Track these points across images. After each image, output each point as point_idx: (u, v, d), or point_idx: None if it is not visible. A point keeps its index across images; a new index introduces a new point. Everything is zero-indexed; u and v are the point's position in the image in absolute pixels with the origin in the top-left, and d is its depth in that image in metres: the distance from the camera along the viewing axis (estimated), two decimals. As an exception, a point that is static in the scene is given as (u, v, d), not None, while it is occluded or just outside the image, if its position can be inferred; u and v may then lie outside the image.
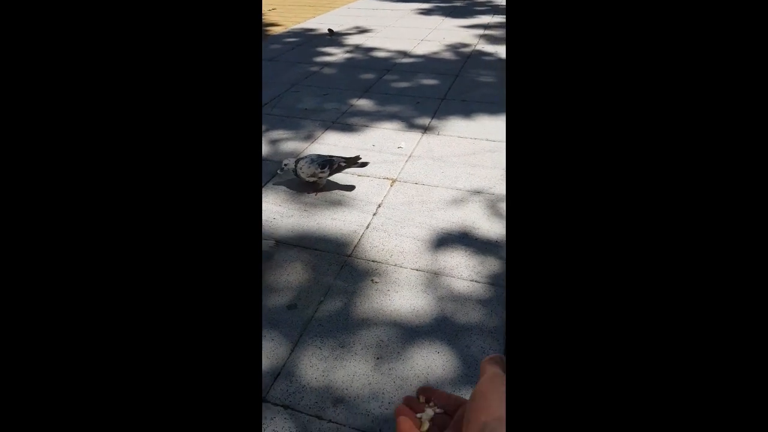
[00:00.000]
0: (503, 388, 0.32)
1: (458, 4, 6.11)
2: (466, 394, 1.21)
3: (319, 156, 1.95)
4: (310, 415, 1.12)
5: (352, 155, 2.00)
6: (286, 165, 1.95)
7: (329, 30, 4.66)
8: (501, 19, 5.14)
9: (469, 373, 1.21)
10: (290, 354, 1.28)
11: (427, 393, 0.38)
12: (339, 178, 2.04)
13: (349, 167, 1.97)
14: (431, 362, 1.25)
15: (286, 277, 1.54)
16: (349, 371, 1.23)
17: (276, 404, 1.15)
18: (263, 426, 1.09)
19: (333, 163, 1.92)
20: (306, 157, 1.96)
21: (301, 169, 1.91)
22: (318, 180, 1.94)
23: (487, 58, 3.80)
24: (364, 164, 1.98)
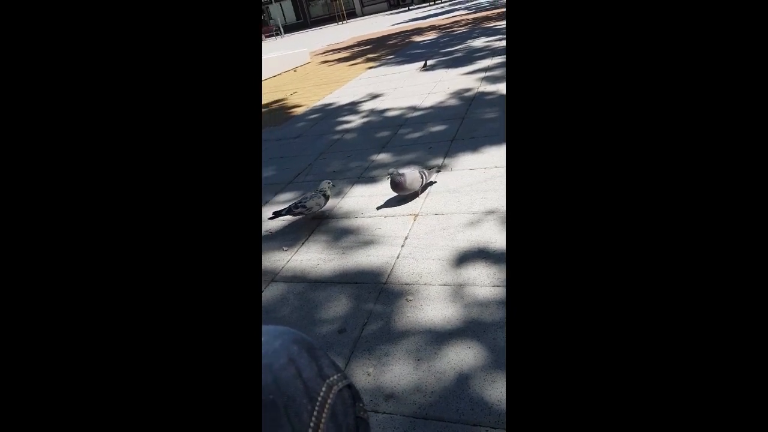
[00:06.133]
0: None
1: (459, 54, 6.60)
2: (495, 377, 1.39)
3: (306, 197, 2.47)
4: (368, 411, 1.34)
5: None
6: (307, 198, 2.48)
7: (424, 63, 5.93)
8: (500, 59, 5.54)
9: (497, 359, 1.40)
10: (345, 367, 1.51)
11: None
12: (348, 215, 2.34)
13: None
14: (464, 356, 1.45)
15: (334, 309, 1.80)
16: (395, 373, 1.45)
17: (338, 406, 1.38)
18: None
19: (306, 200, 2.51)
20: (311, 196, 2.46)
21: (317, 204, 2.43)
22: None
23: (489, 97, 4.14)
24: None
